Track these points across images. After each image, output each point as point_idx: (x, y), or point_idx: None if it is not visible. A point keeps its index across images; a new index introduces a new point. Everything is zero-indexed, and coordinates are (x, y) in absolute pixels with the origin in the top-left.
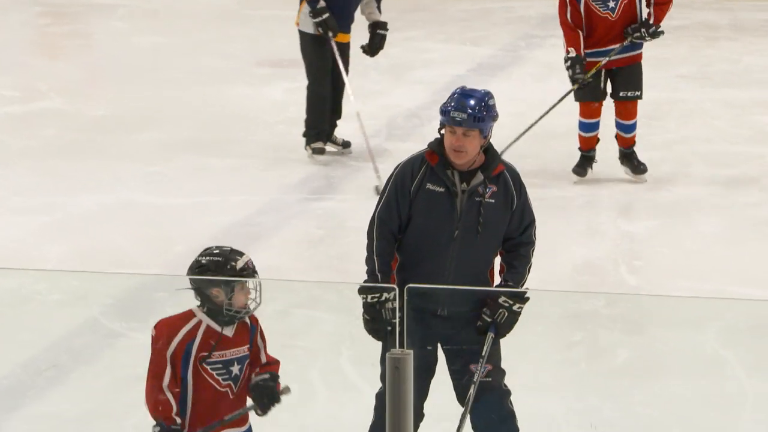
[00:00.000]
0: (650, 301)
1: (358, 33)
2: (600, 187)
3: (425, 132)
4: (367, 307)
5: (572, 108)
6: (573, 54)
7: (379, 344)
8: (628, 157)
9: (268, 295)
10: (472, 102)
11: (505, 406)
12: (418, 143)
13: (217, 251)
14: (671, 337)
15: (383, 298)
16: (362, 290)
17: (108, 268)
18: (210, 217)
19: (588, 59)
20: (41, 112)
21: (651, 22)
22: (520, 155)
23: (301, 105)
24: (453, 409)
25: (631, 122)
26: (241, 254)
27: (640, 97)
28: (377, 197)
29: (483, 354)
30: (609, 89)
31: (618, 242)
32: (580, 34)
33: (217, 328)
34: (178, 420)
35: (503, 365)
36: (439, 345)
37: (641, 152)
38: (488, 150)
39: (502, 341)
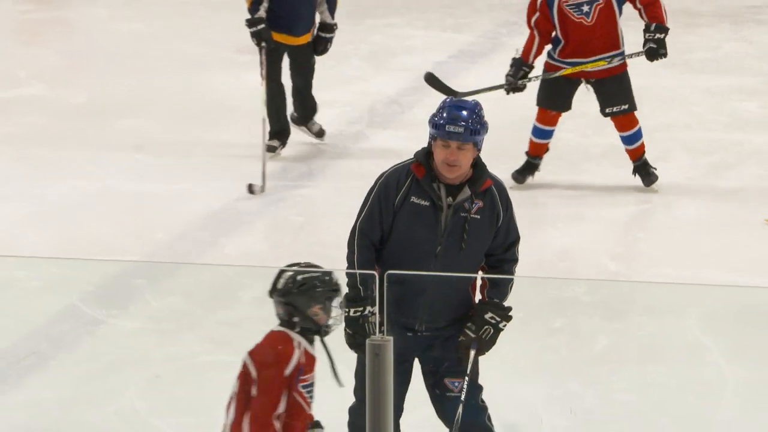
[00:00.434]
0: (630, 287)
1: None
2: (580, 174)
3: (405, 119)
4: (349, 320)
5: None
6: (518, 56)
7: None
8: (638, 169)
9: (248, 282)
10: (465, 114)
11: (483, 423)
12: (398, 130)
13: (310, 268)
14: (651, 323)
15: (366, 312)
16: (343, 303)
17: (88, 255)
18: (190, 204)
19: (558, 64)
20: (21, 100)
21: (650, 23)
22: (501, 142)
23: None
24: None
25: (628, 133)
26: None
27: (628, 110)
28: (254, 194)
29: (468, 371)
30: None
31: (598, 229)
32: (537, 41)
33: (310, 348)
34: None
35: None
36: (416, 360)
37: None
38: (476, 163)
39: None
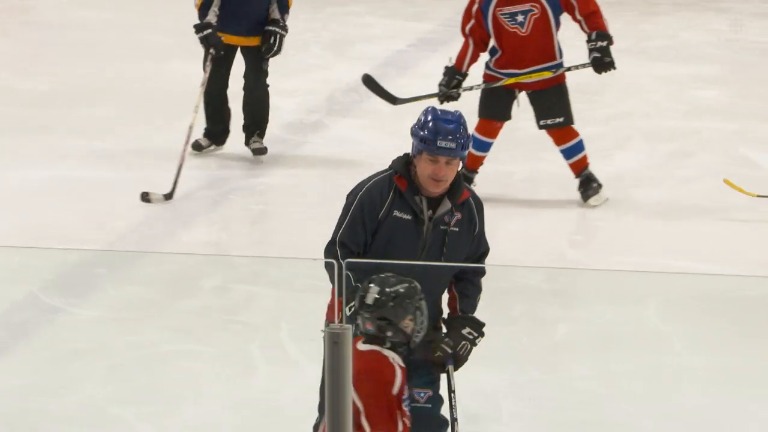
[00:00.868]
0: (590, 275)
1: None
2: (539, 161)
3: (365, 107)
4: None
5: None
6: (451, 64)
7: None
8: (580, 184)
9: (208, 270)
10: (452, 127)
11: None
12: (357, 119)
13: (399, 277)
14: (611, 311)
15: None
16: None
17: (47, 244)
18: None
19: (494, 74)
20: None
21: (591, 32)
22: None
23: (241, 80)
24: None
25: (565, 146)
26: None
27: (564, 123)
28: (150, 202)
29: (452, 388)
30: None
31: (557, 217)
32: (472, 49)
33: (401, 362)
34: None
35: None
36: None
37: (581, 127)
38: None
39: None
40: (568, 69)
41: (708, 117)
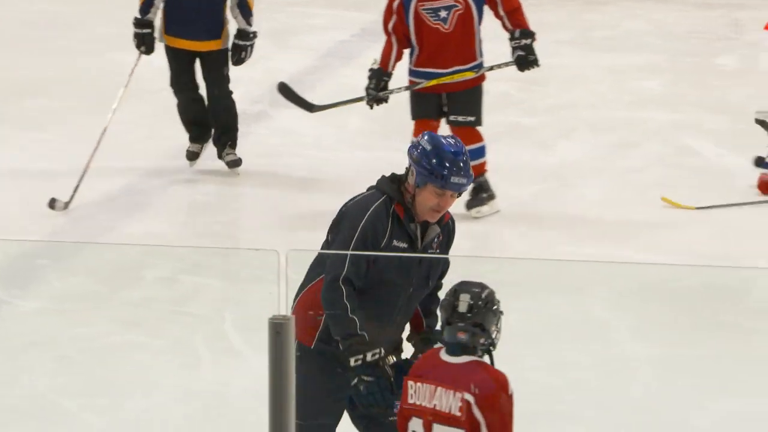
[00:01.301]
0: (536, 265)
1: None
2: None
3: (308, 98)
4: (371, 367)
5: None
6: (376, 66)
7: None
8: (471, 190)
9: (153, 261)
10: (462, 162)
11: None
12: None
13: (475, 282)
14: (558, 301)
15: (382, 353)
16: (354, 352)
17: None
18: (94, 183)
19: (415, 79)
20: None
21: (514, 30)
22: (405, 116)
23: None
24: None
25: (469, 148)
26: None
27: (473, 123)
28: (55, 210)
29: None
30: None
31: (503, 207)
32: (396, 47)
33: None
34: None
35: None
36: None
37: (525, 117)
38: None
39: None
40: (491, 68)
41: (652, 107)
